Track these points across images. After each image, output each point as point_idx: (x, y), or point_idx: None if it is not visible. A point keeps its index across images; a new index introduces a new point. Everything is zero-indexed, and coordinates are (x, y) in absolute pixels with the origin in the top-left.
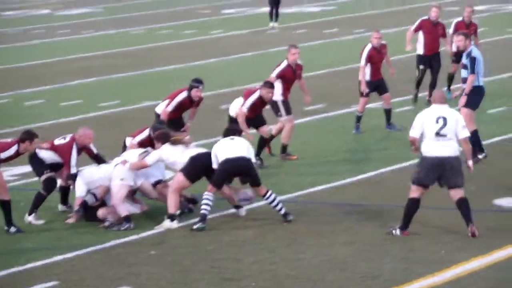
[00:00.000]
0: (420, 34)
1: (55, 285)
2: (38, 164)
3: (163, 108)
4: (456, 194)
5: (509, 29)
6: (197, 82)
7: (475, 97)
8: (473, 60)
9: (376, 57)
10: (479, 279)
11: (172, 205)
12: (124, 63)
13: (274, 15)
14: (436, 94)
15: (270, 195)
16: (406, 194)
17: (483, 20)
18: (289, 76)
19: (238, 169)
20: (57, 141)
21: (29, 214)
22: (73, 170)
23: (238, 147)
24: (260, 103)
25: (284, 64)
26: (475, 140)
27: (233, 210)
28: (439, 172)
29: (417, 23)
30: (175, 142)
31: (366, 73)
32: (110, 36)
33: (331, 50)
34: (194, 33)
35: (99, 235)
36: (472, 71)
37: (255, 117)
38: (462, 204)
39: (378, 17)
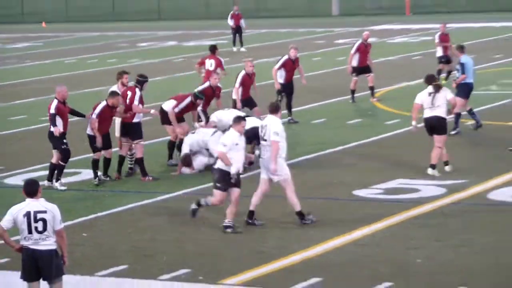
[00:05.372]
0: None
1: None
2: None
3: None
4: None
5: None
6: (144, 77)
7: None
8: (462, 65)
9: (247, 82)
10: (341, 253)
11: None
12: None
13: (238, 41)
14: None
15: None
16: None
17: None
18: (210, 94)
19: None
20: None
21: (56, 181)
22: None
23: None
24: (192, 106)
25: (206, 84)
26: (472, 115)
27: (149, 200)
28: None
29: (280, 62)
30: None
31: (239, 92)
32: (48, 64)
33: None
34: (115, 62)
35: None
36: (463, 73)
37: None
38: None
39: (258, 49)
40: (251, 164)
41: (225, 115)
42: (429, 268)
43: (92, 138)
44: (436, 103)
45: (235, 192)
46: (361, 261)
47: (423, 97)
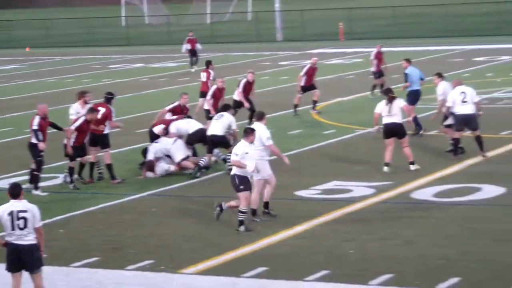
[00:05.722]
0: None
1: None
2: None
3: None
4: None
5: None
6: (111, 94)
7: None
8: (406, 75)
9: (218, 95)
10: (284, 245)
11: None
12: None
13: (194, 62)
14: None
15: None
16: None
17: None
18: (179, 112)
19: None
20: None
21: (36, 189)
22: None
23: None
24: None
25: (176, 103)
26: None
27: (118, 201)
28: None
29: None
30: None
31: (210, 104)
32: (32, 83)
33: (184, 91)
34: (90, 81)
35: None
36: (406, 81)
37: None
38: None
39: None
40: (207, 169)
41: (183, 124)
42: (360, 257)
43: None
44: (393, 111)
45: (243, 194)
46: (301, 252)
47: (381, 107)
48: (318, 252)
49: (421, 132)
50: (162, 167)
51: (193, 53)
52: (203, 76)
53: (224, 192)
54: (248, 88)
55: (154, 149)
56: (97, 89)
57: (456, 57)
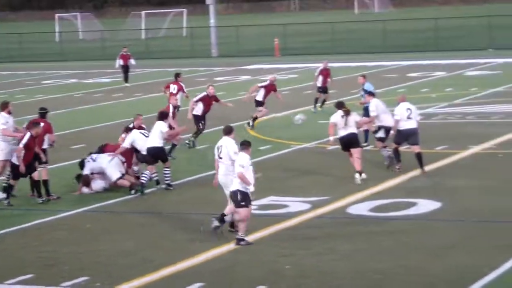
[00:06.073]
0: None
1: None
2: None
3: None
4: None
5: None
6: (44, 109)
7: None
8: (365, 90)
9: (207, 101)
10: (221, 261)
11: None
12: None
13: (127, 78)
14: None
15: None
16: None
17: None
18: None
19: None
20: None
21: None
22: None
23: None
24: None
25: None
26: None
27: (53, 217)
28: None
29: (199, 97)
30: None
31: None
32: None
33: (119, 107)
34: (24, 97)
35: None
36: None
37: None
38: None
39: (150, 85)
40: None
41: (140, 140)
42: (297, 273)
43: (15, 166)
44: (348, 124)
45: (244, 211)
46: (237, 267)
47: (337, 119)
48: (255, 267)
49: (365, 144)
50: (99, 184)
51: (126, 68)
52: (173, 88)
53: (159, 207)
54: (207, 102)
55: (91, 166)
56: (30, 104)
57: (392, 72)
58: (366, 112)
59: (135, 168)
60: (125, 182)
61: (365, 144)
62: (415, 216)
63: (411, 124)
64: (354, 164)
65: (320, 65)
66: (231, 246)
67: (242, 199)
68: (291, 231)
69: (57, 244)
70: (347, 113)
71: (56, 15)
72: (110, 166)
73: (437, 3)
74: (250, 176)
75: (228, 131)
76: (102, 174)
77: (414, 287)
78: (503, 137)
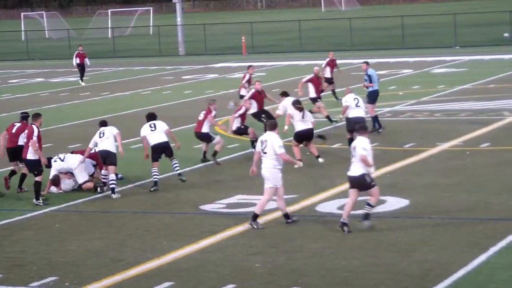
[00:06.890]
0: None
1: None
2: None
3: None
4: None
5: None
6: (26, 113)
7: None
8: (369, 76)
9: (258, 97)
10: (190, 260)
11: None
12: None
13: (82, 77)
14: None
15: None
16: None
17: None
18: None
19: None
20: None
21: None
22: None
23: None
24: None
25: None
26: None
27: (21, 217)
28: None
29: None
30: None
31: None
32: None
33: (86, 106)
34: None
35: None
36: (370, 82)
37: None
38: None
39: (117, 84)
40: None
41: (107, 146)
42: (267, 270)
43: (33, 162)
44: (306, 118)
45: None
46: (207, 266)
47: (294, 111)
48: (225, 266)
49: (380, 130)
50: (69, 184)
51: (82, 67)
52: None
53: (132, 206)
54: (258, 98)
55: (59, 167)
56: None
57: (359, 70)
58: (370, 98)
59: (103, 172)
60: (90, 185)
61: (380, 130)
62: (384, 213)
63: (359, 113)
64: (312, 150)
65: (327, 59)
66: (200, 245)
67: (370, 180)
68: (261, 229)
69: (25, 244)
70: (301, 109)
71: (22, 14)
72: (78, 169)
73: (403, 0)
74: (371, 159)
75: (272, 126)
76: (70, 174)
77: (382, 284)
78: (471, 134)
